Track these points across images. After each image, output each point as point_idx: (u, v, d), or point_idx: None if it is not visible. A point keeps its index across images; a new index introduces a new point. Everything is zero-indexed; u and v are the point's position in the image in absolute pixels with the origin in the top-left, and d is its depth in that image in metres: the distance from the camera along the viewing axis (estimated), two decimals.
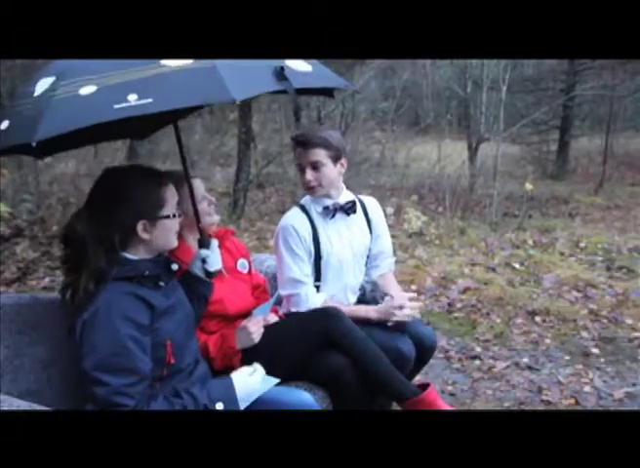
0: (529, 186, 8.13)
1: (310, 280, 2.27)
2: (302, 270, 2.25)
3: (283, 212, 9.27)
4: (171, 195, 1.61)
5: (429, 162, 11.05)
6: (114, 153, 8.78)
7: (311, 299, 2.24)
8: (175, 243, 1.65)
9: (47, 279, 4.81)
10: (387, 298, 2.24)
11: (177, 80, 1.38)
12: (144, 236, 1.55)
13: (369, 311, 2.23)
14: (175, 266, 1.66)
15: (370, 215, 2.41)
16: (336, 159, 2.25)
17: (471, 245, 6.13)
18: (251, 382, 1.61)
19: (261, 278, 2.34)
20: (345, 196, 2.35)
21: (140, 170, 1.64)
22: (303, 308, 2.22)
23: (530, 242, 6.22)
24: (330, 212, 2.29)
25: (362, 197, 2.46)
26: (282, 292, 2.28)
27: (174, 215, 1.60)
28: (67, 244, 1.55)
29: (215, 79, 1.37)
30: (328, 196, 2.30)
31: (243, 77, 1.43)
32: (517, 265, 5.16)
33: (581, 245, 6.01)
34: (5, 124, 1.52)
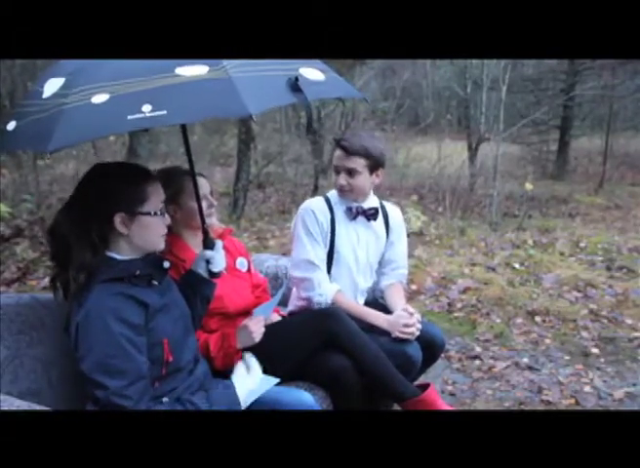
0: (529, 186, 8.13)
1: (324, 266, 2.28)
2: (317, 254, 2.26)
3: (283, 212, 9.18)
4: (155, 193, 1.58)
5: (429, 162, 11.04)
6: (114, 154, 8.78)
7: (323, 286, 2.24)
8: (161, 245, 1.62)
9: (47, 279, 4.79)
10: (400, 312, 2.21)
11: (191, 91, 1.35)
12: (122, 230, 1.53)
13: (379, 318, 2.21)
14: (166, 264, 1.63)
15: (390, 222, 2.43)
16: (372, 169, 2.27)
17: (471, 245, 6.12)
18: (249, 382, 1.61)
19: (262, 278, 2.34)
20: (370, 202, 2.38)
21: (127, 165, 1.64)
22: (314, 295, 2.23)
23: (530, 242, 6.21)
24: (352, 214, 2.32)
25: (386, 204, 2.48)
26: (295, 273, 2.30)
27: (155, 213, 1.57)
28: (52, 239, 1.55)
29: (230, 92, 1.34)
30: (355, 200, 2.33)
31: (258, 90, 1.40)
32: (517, 265, 5.15)
33: (581, 245, 6.01)
34: (12, 125, 1.50)
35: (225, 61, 1.39)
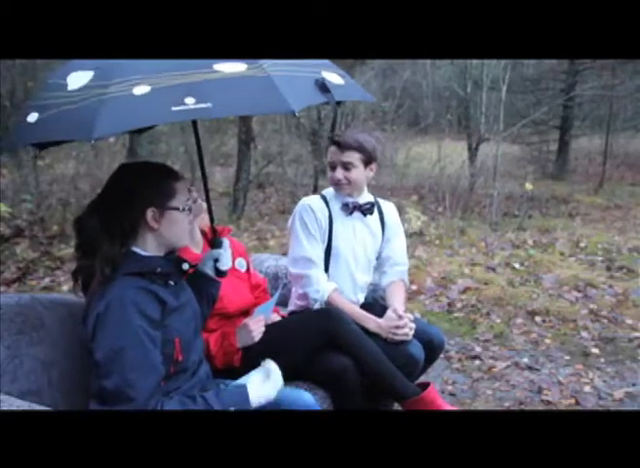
0: (529, 186, 8.14)
1: (322, 263, 2.29)
2: (315, 250, 2.28)
3: (283, 212, 9.16)
4: (182, 189, 1.61)
5: (429, 162, 11.05)
6: (114, 154, 8.78)
7: (322, 284, 2.24)
8: (184, 241, 1.65)
9: (47, 279, 4.81)
10: (391, 315, 2.18)
11: (234, 87, 1.38)
12: (153, 224, 1.56)
13: (368, 320, 2.19)
14: (185, 266, 1.65)
15: (385, 219, 2.44)
16: (367, 163, 2.32)
17: (471, 245, 6.13)
18: (264, 390, 1.60)
19: (261, 278, 2.34)
20: (365, 197, 2.41)
21: (154, 164, 1.67)
22: (312, 291, 2.24)
23: (530, 242, 6.22)
24: (348, 209, 2.34)
25: (381, 200, 2.50)
26: (292, 270, 2.30)
27: (183, 209, 1.60)
28: (80, 231, 1.56)
29: (272, 89, 1.38)
30: (350, 195, 2.35)
31: (295, 88, 1.44)
32: (517, 265, 5.16)
33: (581, 245, 6.02)
34: (33, 117, 1.48)
35: (262, 60, 1.43)
